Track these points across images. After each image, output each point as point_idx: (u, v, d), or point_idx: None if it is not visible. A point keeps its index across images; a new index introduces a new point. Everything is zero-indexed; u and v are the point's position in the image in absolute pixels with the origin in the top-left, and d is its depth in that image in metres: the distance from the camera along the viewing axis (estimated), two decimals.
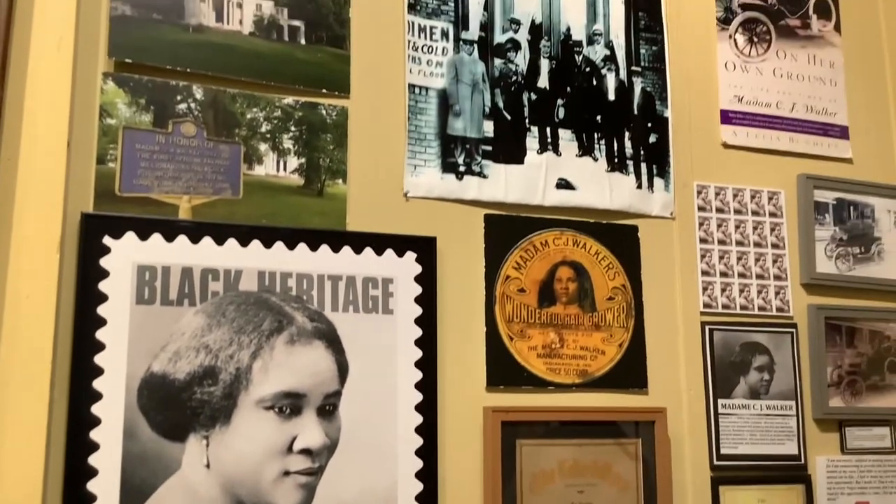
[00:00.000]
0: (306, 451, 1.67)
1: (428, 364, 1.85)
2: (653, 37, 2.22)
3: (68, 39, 1.65)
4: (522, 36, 2.09)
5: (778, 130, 2.30)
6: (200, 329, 1.66)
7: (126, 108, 1.72)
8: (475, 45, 2.04)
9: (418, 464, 1.80)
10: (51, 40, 1.64)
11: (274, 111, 1.84)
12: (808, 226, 2.24)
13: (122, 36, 1.72)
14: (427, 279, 1.88)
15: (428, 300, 1.87)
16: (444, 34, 2.02)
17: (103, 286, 1.62)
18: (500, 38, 2.07)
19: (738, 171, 2.24)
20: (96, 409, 1.58)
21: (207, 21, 1.81)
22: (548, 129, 2.08)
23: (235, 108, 1.81)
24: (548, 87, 2.10)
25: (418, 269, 1.88)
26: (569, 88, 2.12)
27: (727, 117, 2.26)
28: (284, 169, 1.84)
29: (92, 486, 1.56)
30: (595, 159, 2.11)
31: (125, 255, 1.65)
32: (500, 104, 2.04)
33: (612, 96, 2.16)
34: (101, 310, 1.61)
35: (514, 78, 2.07)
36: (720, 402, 2.09)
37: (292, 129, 1.85)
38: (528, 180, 2.03)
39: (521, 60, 2.08)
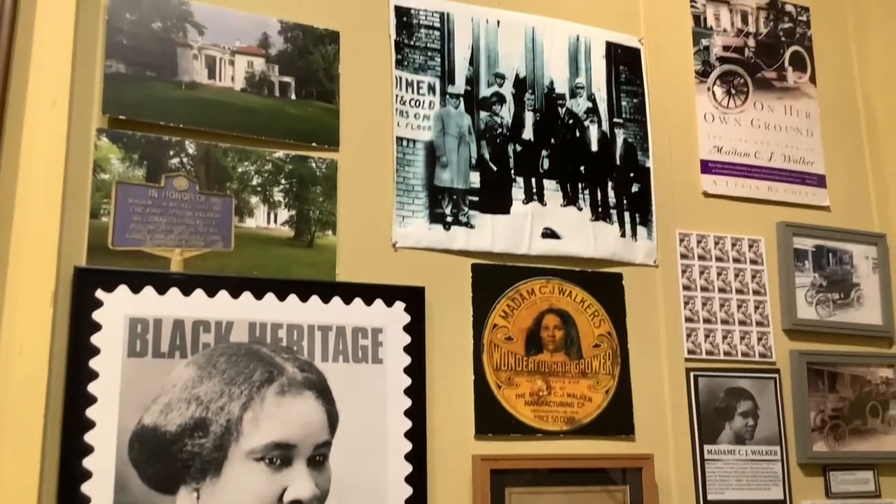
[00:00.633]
0: (297, 502, 1.68)
1: (417, 413, 1.86)
2: (633, 90, 2.28)
3: (63, 97, 1.69)
4: (507, 89, 2.14)
5: (757, 179, 2.35)
6: (192, 381, 1.68)
7: (119, 164, 1.75)
8: (461, 99, 2.09)
9: None
10: (46, 98, 1.67)
11: (265, 165, 1.88)
12: (789, 272, 2.29)
13: (116, 93, 1.76)
14: (416, 328, 1.90)
15: (417, 349, 1.89)
16: (431, 88, 2.07)
17: (96, 339, 1.64)
18: (485, 91, 2.12)
19: (719, 219, 2.29)
20: (88, 462, 1.58)
21: (200, 78, 1.85)
22: (533, 180, 2.12)
23: (227, 162, 1.84)
24: (532, 139, 2.15)
25: (407, 318, 1.90)
26: (553, 140, 2.17)
27: (707, 167, 2.32)
28: (275, 221, 1.87)
29: None
30: (579, 209, 2.15)
31: (117, 308, 1.67)
32: (486, 156, 2.09)
33: (594, 147, 2.21)
34: (94, 363, 1.62)
35: (500, 130, 2.12)
36: (706, 447, 2.11)
37: (283, 181, 1.89)
38: (515, 230, 2.07)
39: (506, 113, 2.14)
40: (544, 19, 2.22)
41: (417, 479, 1.83)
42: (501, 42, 2.16)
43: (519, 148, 2.13)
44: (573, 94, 2.21)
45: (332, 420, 1.78)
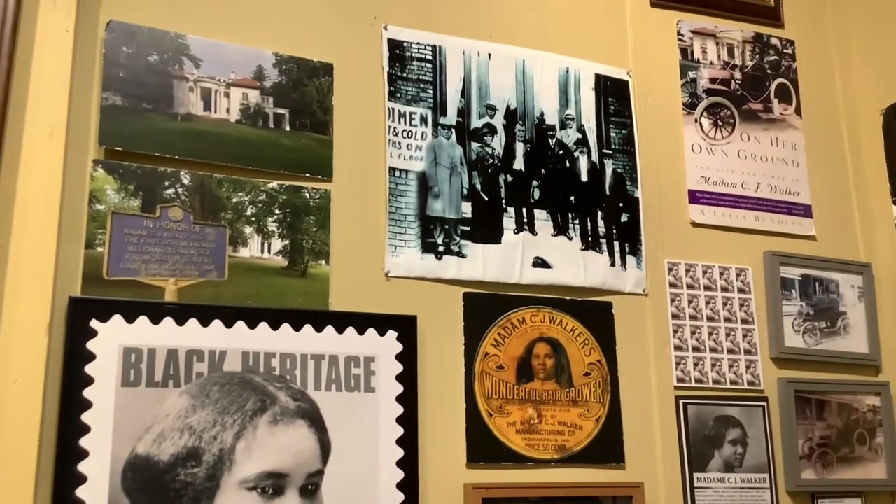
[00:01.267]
0: None
1: (409, 442, 1.87)
2: (622, 121, 2.32)
3: (61, 128, 1.71)
4: (498, 121, 2.18)
5: (744, 209, 2.39)
6: (185, 410, 1.69)
7: (115, 194, 1.77)
8: (453, 130, 2.12)
9: None
10: (44, 129, 1.69)
11: (259, 195, 1.90)
12: (776, 301, 2.32)
13: (112, 124, 1.78)
14: (408, 357, 1.92)
15: (409, 378, 1.91)
16: (423, 119, 2.10)
17: (90, 369, 1.64)
18: (476, 122, 2.15)
19: (707, 248, 2.32)
20: (81, 491, 1.58)
21: (195, 110, 1.87)
22: (524, 210, 2.15)
23: (221, 193, 1.86)
24: (523, 169, 2.18)
25: (399, 347, 1.92)
26: (543, 170, 2.20)
27: (695, 197, 2.35)
28: (269, 251, 1.89)
29: None
30: (570, 238, 2.18)
31: (112, 337, 1.68)
32: (478, 186, 2.12)
33: (584, 178, 2.24)
34: (88, 392, 1.63)
35: (491, 161, 2.15)
36: (696, 475, 2.13)
37: (277, 212, 1.91)
38: (506, 259, 2.10)
39: (498, 144, 2.17)
40: (534, 52, 2.25)
41: None
42: (493, 74, 2.20)
43: (510, 178, 2.16)
44: (563, 126, 2.25)
45: (325, 449, 1.78)
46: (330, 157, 1.98)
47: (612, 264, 2.21)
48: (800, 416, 2.26)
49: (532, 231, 2.15)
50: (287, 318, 1.83)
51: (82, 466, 1.60)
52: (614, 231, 2.23)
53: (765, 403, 2.24)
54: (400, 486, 1.84)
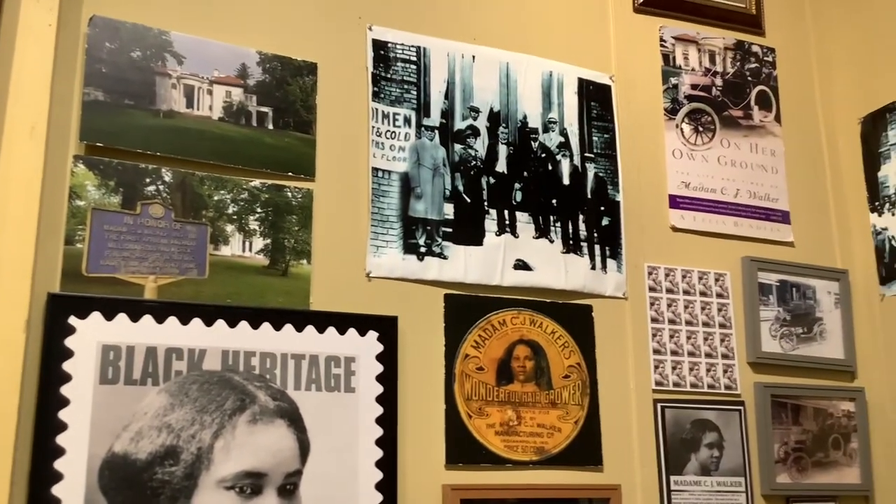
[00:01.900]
0: None
1: (389, 442, 1.88)
2: (604, 125, 2.33)
3: (42, 123, 1.70)
4: (481, 123, 2.18)
5: (723, 215, 2.41)
6: (163, 408, 1.68)
7: (95, 190, 1.76)
8: (436, 131, 2.13)
9: None
10: (24, 125, 1.68)
11: (241, 193, 1.89)
12: (753, 306, 2.34)
13: (93, 120, 1.77)
14: (388, 358, 1.92)
15: (389, 378, 1.91)
16: (407, 120, 2.10)
17: (67, 366, 1.63)
18: (460, 124, 2.16)
19: (687, 253, 2.34)
20: (57, 489, 1.57)
21: (178, 107, 1.86)
22: (506, 212, 2.16)
23: (203, 191, 1.86)
24: (506, 172, 2.19)
25: (380, 347, 1.92)
26: (525, 173, 2.21)
27: (675, 202, 2.37)
28: (250, 249, 1.88)
29: None
30: (551, 241, 2.19)
31: (90, 334, 1.67)
32: (460, 187, 2.12)
33: (566, 181, 2.25)
34: (65, 390, 1.62)
35: (474, 162, 2.16)
36: (672, 478, 2.14)
37: (258, 210, 1.91)
38: (487, 261, 2.10)
39: (481, 146, 2.17)
40: (518, 55, 2.26)
41: None
42: (476, 76, 2.20)
43: (492, 180, 2.17)
44: (546, 129, 2.26)
45: (304, 449, 1.78)
46: (313, 157, 1.98)
47: (593, 267, 2.22)
48: (776, 420, 2.28)
49: (514, 233, 2.15)
50: (267, 317, 1.82)
51: (59, 464, 1.58)
52: (595, 234, 2.24)
53: (741, 407, 2.26)
54: (378, 486, 1.84)
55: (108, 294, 1.72)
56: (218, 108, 1.91)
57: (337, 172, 2.00)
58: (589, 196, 2.27)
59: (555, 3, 2.37)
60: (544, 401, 2.08)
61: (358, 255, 1.98)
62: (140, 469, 1.63)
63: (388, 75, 2.10)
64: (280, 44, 2.01)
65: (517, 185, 2.19)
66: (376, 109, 2.07)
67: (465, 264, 2.08)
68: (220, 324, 1.78)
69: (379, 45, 2.11)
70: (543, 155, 2.25)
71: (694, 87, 2.48)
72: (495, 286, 2.10)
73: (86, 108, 1.77)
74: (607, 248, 2.25)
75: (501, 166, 2.19)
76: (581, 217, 2.24)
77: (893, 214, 2.41)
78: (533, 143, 2.24)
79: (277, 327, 1.83)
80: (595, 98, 2.34)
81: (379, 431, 1.87)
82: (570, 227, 2.22)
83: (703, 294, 2.32)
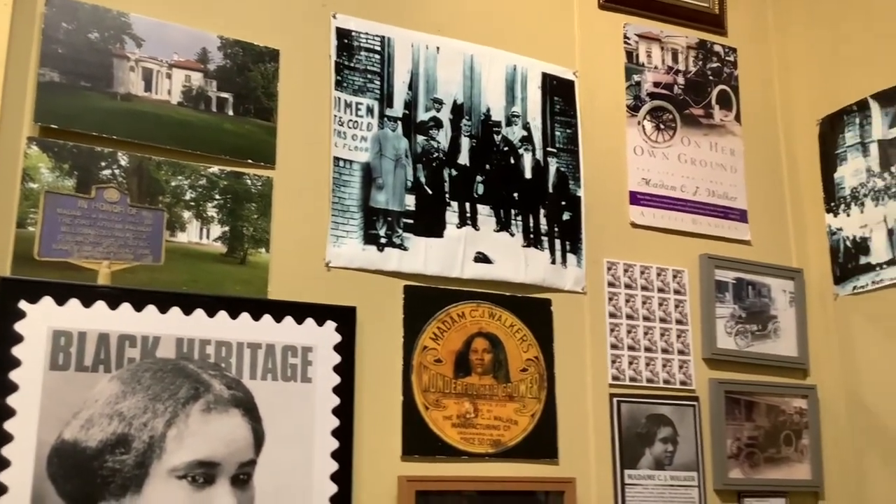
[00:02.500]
0: None
1: (345, 433, 1.87)
2: (567, 120, 2.34)
3: None
4: (445, 115, 2.18)
5: (682, 212, 2.43)
6: (115, 396, 1.65)
7: (49, 173, 1.72)
8: (399, 122, 2.12)
9: None
10: None
11: (199, 179, 1.87)
12: (710, 303, 2.37)
13: (49, 102, 1.73)
14: (346, 348, 1.91)
15: (346, 369, 1.90)
16: (370, 110, 2.09)
17: (17, 351, 1.60)
18: (423, 116, 2.15)
19: (646, 249, 2.36)
20: (4, 476, 1.54)
21: (136, 90, 1.83)
22: (467, 205, 2.16)
23: (160, 176, 1.83)
24: (468, 164, 2.18)
25: (338, 338, 1.91)
26: (488, 166, 2.21)
27: (635, 198, 2.39)
28: (207, 237, 1.86)
29: None
30: (512, 234, 2.19)
31: (41, 319, 1.64)
32: (422, 179, 2.12)
33: (528, 175, 2.26)
34: (14, 375, 1.59)
35: (436, 154, 2.15)
36: (627, 472, 2.16)
37: (217, 197, 1.88)
38: (448, 253, 2.10)
39: (443, 138, 2.17)
40: (483, 48, 2.26)
41: (342, 500, 1.83)
42: (440, 68, 2.20)
43: (454, 173, 2.16)
44: (509, 122, 2.26)
45: (258, 439, 1.77)
46: (273, 144, 1.96)
47: (553, 262, 2.23)
48: (729, 416, 2.31)
49: (475, 226, 2.15)
50: (224, 305, 1.80)
51: (6, 450, 1.55)
52: (556, 229, 2.25)
53: (696, 403, 2.28)
54: (334, 477, 1.83)
55: (61, 279, 1.68)
56: (177, 92, 1.88)
57: (298, 161, 1.98)
58: (550, 190, 2.27)
59: None
60: (502, 394, 2.08)
61: (317, 245, 1.97)
62: (90, 457, 1.60)
63: (352, 64, 2.09)
64: (242, 29, 1.98)
65: (479, 178, 2.19)
66: (339, 98, 2.06)
67: (425, 256, 2.07)
68: (175, 311, 1.75)
69: (343, 34, 2.09)
70: (506, 148, 2.25)
71: (656, 84, 2.50)
72: (455, 278, 2.10)
73: (41, 90, 1.74)
74: (567, 242, 2.26)
75: (464, 159, 2.18)
76: (542, 211, 2.25)
77: (849, 215, 2.45)
78: (496, 136, 2.24)
79: (234, 316, 1.81)
80: (558, 93, 2.34)
81: (335, 422, 1.86)
82: (531, 221, 2.23)
83: (661, 290, 2.34)
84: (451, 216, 2.13)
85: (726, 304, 2.39)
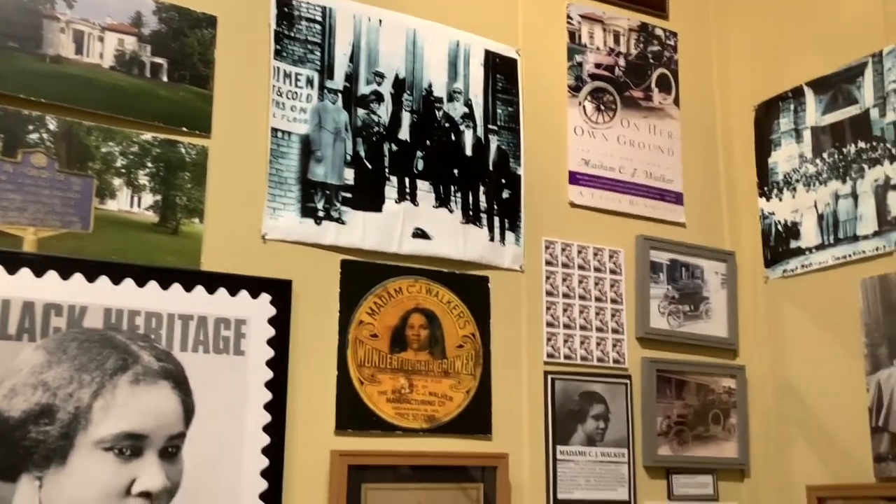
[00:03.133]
0: (145, 494, 1.64)
1: (277, 407, 1.85)
2: (509, 98, 2.34)
3: None
4: (386, 89, 2.16)
5: (620, 193, 2.46)
6: (40, 366, 1.61)
7: None
8: (339, 95, 2.09)
9: None
10: None
11: (131, 146, 1.83)
12: (644, 284, 2.40)
13: None
14: (281, 322, 1.89)
15: (281, 343, 1.88)
16: (310, 82, 2.06)
17: None
18: (364, 89, 2.13)
19: (583, 229, 2.38)
20: None
21: (66, 52, 1.78)
22: (406, 180, 2.15)
23: (90, 142, 1.78)
24: (408, 140, 2.17)
25: (272, 311, 1.89)
26: (428, 142, 2.20)
27: (575, 178, 2.40)
28: (138, 205, 1.82)
29: None
30: (451, 211, 2.19)
31: None
32: (362, 153, 2.10)
33: (469, 152, 2.25)
34: None
35: (376, 129, 2.13)
36: (559, 448, 2.19)
37: (149, 165, 1.84)
38: (386, 228, 2.09)
39: (384, 112, 2.15)
40: (426, 22, 2.24)
41: (274, 474, 1.82)
42: (382, 41, 2.17)
43: (395, 147, 2.15)
44: (451, 99, 2.25)
45: (188, 411, 1.74)
46: (209, 113, 1.92)
47: (492, 239, 2.23)
48: (660, 394, 2.35)
49: (414, 202, 2.15)
50: (154, 275, 1.77)
51: None
52: (495, 207, 2.26)
53: (628, 381, 2.32)
54: (265, 451, 1.82)
55: None
56: (109, 56, 1.83)
57: (234, 130, 1.95)
58: (490, 168, 2.27)
59: None
60: (437, 370, 2.09)
61: (254, 217, 1.94)
62: (13, 427, 1.56)
63: (292, 34, 2.06)
64: None
65: (419, 154, 2.18)
66: (278, 68, 2.03)
67: (363, 230, 2.06)
68: (104, 280, 1.71)
69: (283, 2, 2.06)
70: (447, 125, 2.24)
71: (598, 66, 2.51)
72: (393, 254, 2.09)
73: None
74: (506, 220, 2.27)
75: (404, 134, 2.17)
76: (482, 189, 2.25)
77: (781, 200, 2.51)
78: (437, 112, 2.23)
79: (165, 286, 1.78)
80: (501, 71, 2.34)
81: (268, 395, 1.85)
82: (471, 198, 2.23)
83: (597, 270, 2.36)
84: (391, 191, 2.12)
85: (660, 285, 2.43)
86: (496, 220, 2.25)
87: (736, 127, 2.67)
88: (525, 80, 2.37)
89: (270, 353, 1.87)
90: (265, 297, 1.88)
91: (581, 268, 2.34)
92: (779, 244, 2.49)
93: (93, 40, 1.81)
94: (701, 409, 2.42)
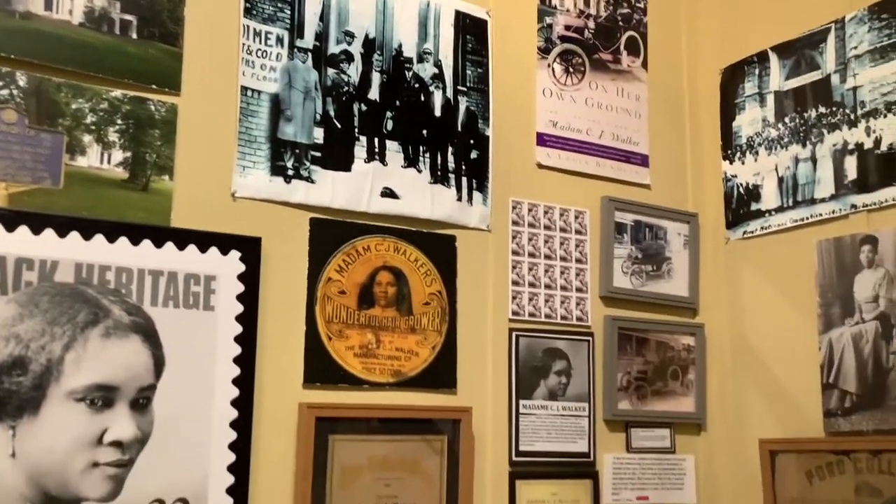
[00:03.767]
0: (116, 444, 1.69)
1: (246, 360, 1.90)
2: (478, 59, 2.36)
3: None
4: (356, 48, 2.18)
5: (586, 155, 2.50)
6: (11, 318, 1.65)
7: None
8: (309, 54, 2.11)
9: (231, 457, 1.85)
10: None
11: (100, 103, 1.84)
12: (609, 244, 2.46)
13: None
14: (250, 278, 1.93)
15: (250, 298, 1.92)
16: (280, 40, 2.08)
17: None
18: (334, 48, 2.15)
19: (550, 190, 2.43)
20: None
21: (35, 9, 1.78)
22: (376, 140, 2.18)
23: (60, 98, 1.80)
24: (378, 100, 2.20)
25: (242, 267, 1.93)
26: (398, 102, 2.23)
27: (542, 140, 2.44)
28: (108, 162, 1.84)
29: None
30: (419, 171, 2.23)
31: None
32: (332, 113, 2.13)
33: (438, 112, 2.28)
34: None
35: (346, 88, 2.16)
36: (521, 402, 2.26)
37: (119, 122, 1.86)
38: (355, 187, 2.13)
39: (354, 72, 2.17)
40: None
41: (242, 425, 1.87)
42: (353, 0, 2.19)
43: (364, 107, 2.18)
44: (420, 59, 2.27)
45: (158, 364, 1.79)
46: (179, 70, 1.94)
47: (459, 199, 2.27)
48: (621, 351, 2.43)
49: (383, 161, 2.18)
50: (125, 231, 1.80)
51: None
52: (463, 167, 2.29)
53: (590, 338, 2.39)
54: (234, 403, 1.87)
55: None
56: (79, 12, 1.83)
57: (204, 88, 1.97)
58: (459, 129, 2.31)
59: None
60: (404, 326, 2.14)
61: (223, 175, 1.97)
62: None
63: None
64: None
65: (389, 114, 2.21)
66: (248, 26, 2.04)
67: (332, 189, 2.10)
68: (74, 236, 1.74)
69: None
70: (417, 85, 2.27)
71: (567, 28, 2.54)
72: (362, 212, 2.13)
73: None
74: (474, 180, 2.31)
75: (374, 94, 2.20)
76: (450, 149, 2.28)
77: (743, 163, 2.57)
78: (407, 72, 2.26)
79: (135, 242, 1.81)
80: (471, 32, 2.36)
81: (237, 350, 1.89)
82: (439, 158, 2.26)
83: (562, 230, 2.42)
84: (360, 151, 2.15)
85: (624, 245, 2.49)
86: (464, 180, 2.29)
87: (702, 90, 2.72)
88: (495, 41, 2.40)
89: (240, 308, 1.91)
90: (235, 254, 1.92)
91: (547, 228, 2.39)
92: (740, 206, 2.55)
93: None
94: (660, 366, 2.49)
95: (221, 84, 1.99)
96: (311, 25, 2.12)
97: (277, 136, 2.04)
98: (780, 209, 2.44)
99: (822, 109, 2.36)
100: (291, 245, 2.03)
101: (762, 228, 2.48)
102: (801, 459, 2.26)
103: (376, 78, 2.20)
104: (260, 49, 2.05)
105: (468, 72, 2.35)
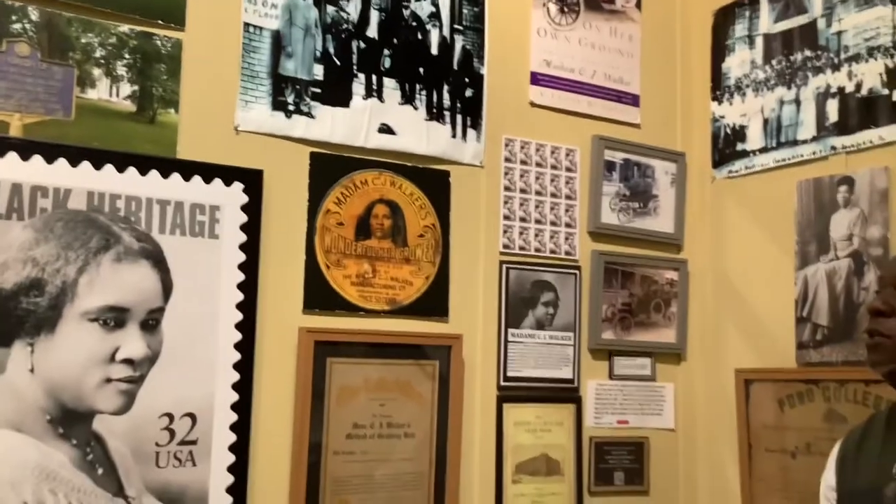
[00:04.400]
0: (128, 361, 1.81)
1: (249, 286, 2.01)
2: None
3: None
4: None
5: (579, 94, 2.57)
6: (28, 243, 1.75)
7: None
8: None
9: (235, 376, 1.97)
10: None
11: (109, 38, 1.91)
12: (598, 181, 2.55)
13: None
14: (253, 209, 2.03)
15: (252, 228, 2.02)
16: None
17: None
18: None
19: (542, 128, 2.51)
20: None
21: None
22: (374, 77, 2.25)
23: (70, 32, 1.87)
24: (376, 38, 2.26)
25: (245, 198, 2.02)
26: (395, 40, 2.29)
27: (536, 79, 2.51)
28: (117, 95, 1.92)
29: None
30: (416, 108, 2.30)
31: None
32: (331, 50, 2.19)
33: (434, 51, 2.35)
34: None
35: (345, 26, 2.22)
36: (510, 331, 2.38)
37: (126, 56, 1.93)
38: (353, 123, 2.21)
39: (353, 10, 2.23)
40: None
41: (246, 346, 1.99)
42: None
43: (363, 45, 2.24)
44: None
45: (167, 288, 1.89)
46: (183, 6, 2.00)
47: (454, 136, 2.36)
48: (607, 284, 2.53)
49: (380, 98, 2.25)
50: (134, 162, 1.89)
51: None
52: (458, 105, 2.37)
53: (577, 272, 2.49)
54: (238, 326, 1.98)
55: None
56: None
57: (207, 24, 2.03)
58: (455, 67, 2.38)
59: None
60: (399, 256, 2.25)
61: (227, 109, 2.05)
62: (5, 298, 1.71)
63: None
64: None
65: (386, 52, 2.28)
66: None
67: (331, 124, 2.18)
68: (86, 165, 1.83)
69: None
70: (414, 23, 2.33)
71: None
72: (359, 147, 2.21)
73: None
74: (468, 118, 2.38)
75: (372, 32, 2.26)
76: (446, 87, 2.36)
77: (731, 104, 2.64)
78: (405, 10, 2.32)
79: (143, 172, 1.90)
80: None
81: (241, 276, 2.00)
82: (435, 96, 2.34)
83: (553, 167, 2.50)
84: (358, 87, 2.22)
85: (613, 183, 2.58)
86: (459, 117, 2.37)
87: (694, 31, 2.77)
88: None
89: (243, 237, 2.01)
90: (238, 186, 2.01)
91: (538, 165, 2.48)
92: (726, 146, 2.63)
93: None
94: (644, 299, 2.60)
95: (224, 20, 2.06)
96: None
97: (278, 72, 2.11)
98: (763, 150, 2.52)
99: (807, 53, 2.42)
100: (292, 178, 2.12)
101: (746, 168, 2.57)
102: (774, 388, 2.39)
103: (375, 16, 2.26)
104: None
105: (465, 11, 2.40)
